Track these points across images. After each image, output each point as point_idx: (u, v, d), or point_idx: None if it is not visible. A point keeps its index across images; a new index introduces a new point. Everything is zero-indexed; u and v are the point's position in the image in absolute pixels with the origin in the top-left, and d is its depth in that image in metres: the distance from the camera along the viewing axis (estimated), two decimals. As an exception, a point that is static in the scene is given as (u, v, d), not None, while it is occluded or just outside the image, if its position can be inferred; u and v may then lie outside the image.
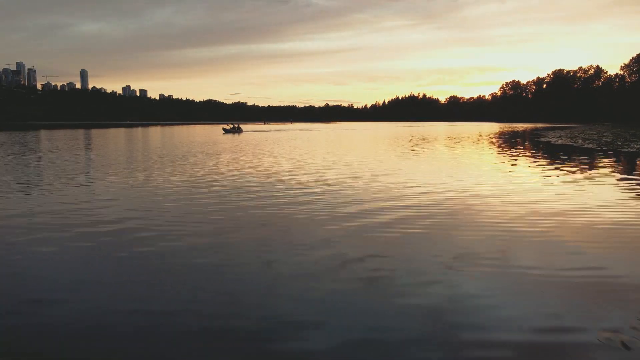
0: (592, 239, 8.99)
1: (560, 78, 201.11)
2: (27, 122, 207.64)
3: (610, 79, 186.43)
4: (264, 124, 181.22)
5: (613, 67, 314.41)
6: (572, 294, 6.49)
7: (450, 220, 10.52)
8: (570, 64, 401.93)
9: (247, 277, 7.10)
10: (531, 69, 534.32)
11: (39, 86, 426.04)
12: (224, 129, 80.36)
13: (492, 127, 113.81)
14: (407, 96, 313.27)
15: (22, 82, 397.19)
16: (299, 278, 7.06)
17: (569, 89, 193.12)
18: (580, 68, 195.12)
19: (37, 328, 5.58)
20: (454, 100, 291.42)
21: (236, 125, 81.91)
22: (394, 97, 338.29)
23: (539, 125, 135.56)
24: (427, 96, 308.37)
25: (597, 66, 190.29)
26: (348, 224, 10.23)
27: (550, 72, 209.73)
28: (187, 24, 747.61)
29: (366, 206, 12.20)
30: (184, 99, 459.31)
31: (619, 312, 5.90)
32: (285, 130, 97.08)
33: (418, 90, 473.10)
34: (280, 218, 11.15)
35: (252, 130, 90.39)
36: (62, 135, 65.46)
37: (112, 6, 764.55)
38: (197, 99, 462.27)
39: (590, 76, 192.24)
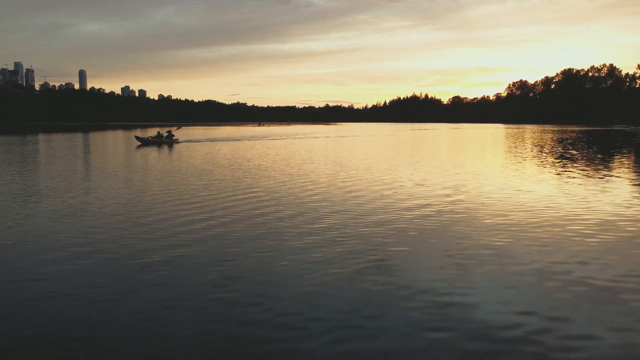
0: None
1: (570, 78, 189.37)
2: (22, 122, 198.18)
3: (620, 79, 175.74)
4: (260, 125, 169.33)
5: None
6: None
7: None
8: (570, 65, 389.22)
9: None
10: (532, 69, 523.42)
11: (37, 86, 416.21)
12: (137, 137, 50.99)
13: (517, 131, 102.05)
14: (409, 96, 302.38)
15: (20, 82, 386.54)
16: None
17: (580, 89, 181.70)
18: (592, 67, 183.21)
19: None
20: (457, 101, 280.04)
21: (165, 133, 51.51)
22: (395, 97, 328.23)
23: (549, 127, 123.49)
24: (430, 96, 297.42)
25: (611, 65, 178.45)
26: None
27: (559, 72, 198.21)
28: (187, 24, 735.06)
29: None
30: (183, 99, 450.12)
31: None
32: (270, 137, 67.26)
33: (420, 91, 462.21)
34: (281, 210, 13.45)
35: (208, 140, 60.16)
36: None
37: (112, 6, 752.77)
38: (196, 100, 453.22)
39: (603, 76, 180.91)
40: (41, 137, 71.70)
